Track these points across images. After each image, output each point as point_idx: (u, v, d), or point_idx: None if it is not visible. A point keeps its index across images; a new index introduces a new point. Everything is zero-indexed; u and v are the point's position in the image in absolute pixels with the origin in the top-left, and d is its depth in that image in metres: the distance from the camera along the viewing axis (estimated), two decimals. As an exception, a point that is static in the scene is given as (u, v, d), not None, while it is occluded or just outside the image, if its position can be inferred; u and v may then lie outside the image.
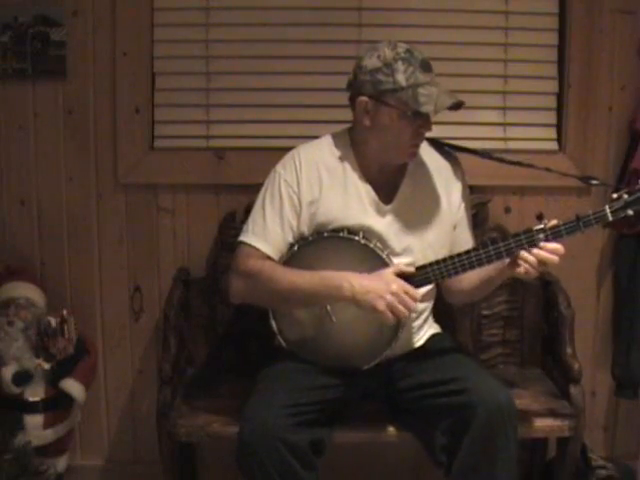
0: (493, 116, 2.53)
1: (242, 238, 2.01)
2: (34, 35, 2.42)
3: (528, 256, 1.83)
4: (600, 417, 2.60)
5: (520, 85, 2.50)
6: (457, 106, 1.92)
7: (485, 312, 2.45)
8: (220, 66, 2.50)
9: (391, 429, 2.05)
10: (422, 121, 1.91)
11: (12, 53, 2.43)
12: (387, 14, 2.47)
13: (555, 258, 1.83)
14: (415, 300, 1.87)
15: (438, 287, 2.15)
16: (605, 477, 2.37)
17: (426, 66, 1.91)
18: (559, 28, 2.49)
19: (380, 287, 1.85)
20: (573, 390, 2.14)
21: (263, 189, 2.03)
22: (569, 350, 2.21)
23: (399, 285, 1.85)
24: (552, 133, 2.53)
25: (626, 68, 2.46)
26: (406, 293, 1.85)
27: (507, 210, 2.51)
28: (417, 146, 1.97)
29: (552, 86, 2.52)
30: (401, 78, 1.87)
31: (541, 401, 2.20)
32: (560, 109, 2.52)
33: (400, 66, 1.87)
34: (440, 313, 2.24)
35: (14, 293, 2.36)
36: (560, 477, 2.21)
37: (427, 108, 1.86)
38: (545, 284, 2.42)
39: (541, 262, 1.83)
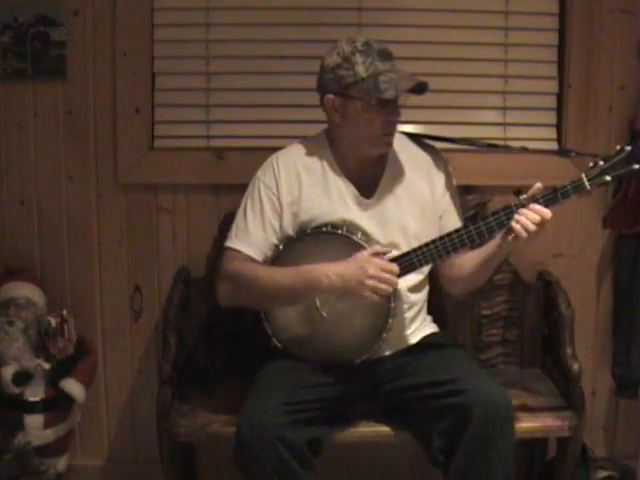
0: (493, 116, 2.53)
1: (226, 243, 2.06)
2: (34, 35, 2.42)
3: (519, 217, 1.83)
4: (600, 417, 2.60)
5: (520, 85, 2.50)
6: (421, 88, 1.94)
7: (485, 312, 2.45)
8: (220, 66, 2.50)
9: (388, 428, 2.05)
10: (390, 109, 1.94)
11: (12, 53, 2.43)
12: (387, 14, 2.47)
13: (546, 212, 1.82)
14: (394, 273, 1.87)
15: (434, 282, 2.14)
16: (605, 477, 2.37)
17: (384, 55, 1.93)
18: (559, 28, 2.49)
19: (357, 273, 1.87)
20: (573, 390, 2.14)
21: (245, 195, 2.08)
22: (569, 350, 2.21)
23: (374, 265, 1.87)
24: (552, 133, 2.53)
25: (626, 68, 2.46)
26: (384, 270, 1.86)
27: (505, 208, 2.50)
28: (391, 135, 1.99)
29: (552, 86, 2.52)
30: (361, 69, 1.90)
31: (541, 401, 2.19)
32: (560, 109, 2.51)
33: (358, 58, 1.91)
34: (440, 313, 2.24)
35: (14, 293, 2.36)
36: (560, 477, 2.21)
37: (389, 94, 1.89)
38: (545, 284, 2.42)
39: (532, 220, 1.82)
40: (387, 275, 1.86)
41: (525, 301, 2.44)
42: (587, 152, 2.23)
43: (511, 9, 2.48)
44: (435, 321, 2.21)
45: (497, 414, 1.81)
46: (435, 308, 2.22)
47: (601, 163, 1.82)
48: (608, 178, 1.82)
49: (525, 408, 2.13)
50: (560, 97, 2.51)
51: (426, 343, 2.10)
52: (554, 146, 2.52)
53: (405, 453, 2.47)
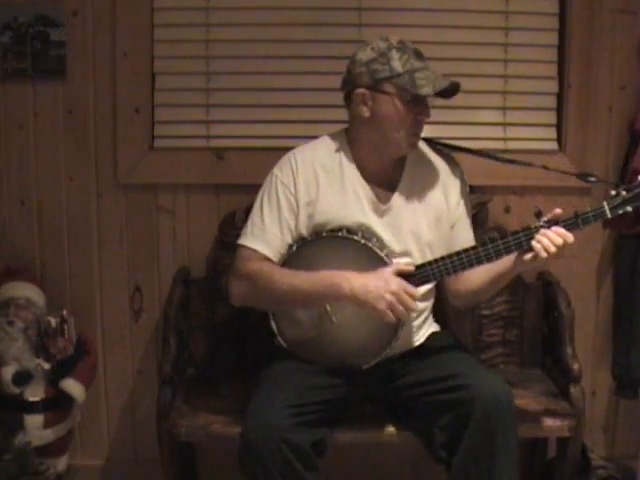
0: (493, 116, 2.53)
1: (241, 241, 2.02)
2: (34, 35, 2.42)
3: (541, 238, 1.81)
4: (600, 417, 2.60)
5: (520, 85, 2.51)
6: (454, 89, 1.94)
7: (485, 312, 2.45)
8: (220, 66, 2.50)
9: (391, 429, 2.05)
10: (421, 107, 1.93)
11: (12, 53, 2.42)
12: (387, 14, 2.47)
13: (569, 236, 1.81)
14: (414, 299, 1.87)
15: (438, 288, 2.15)
16: (605, 477, 2.37)
17: (419, 54, 1.94)
18: (559, 28, 2.49)
19: (380, 286, 1.85)
20: (573, 390, 2.14)
21: (261, 192, 2.04)
22: (569, 350, 2.21)
23: (399, 284, 1.86)
24: (552, 133, 2.54)
25: (626, 68, 2.47)
26: (406, 292, 1.85)
27: (507, 210, 2.51)
28: (417, 135, 1.98)
29: (552, 86, 2.52)
30: (397, 65, 1.90)
31: (541, 401, 2.20)
32: (560, 109, 2.52)
33: (395, 54, 1.90)
34: (440, 314, 2.24)
35: (14, 293, 2.36)
36: (560, 477, 2.21)
37: (426, 90, 1.88)
38: (545, 284, 2.42)
39: (553, 241, 1.80)
40: (407, 298, 1.85)
41: (525, 301, 2.44)
42: (605, 179, 2.24)
43: (511, 9, 2.48)
44: (436, 322, 2.21)
45: (499, 408, 1.81)
46: (436, 309, 2.21)
47: (623, 193, 1.82)
48: (629, 209, 1.82)
49: (525, 408, 2.13)
50: (560, 97, 2.51)
51: (429, 342, 2.10)
52: (554, 146, 2.52)
53: (408, 454, 2.47)
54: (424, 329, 2.12)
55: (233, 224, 2.40)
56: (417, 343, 2.09)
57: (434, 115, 2.44)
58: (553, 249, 1.81)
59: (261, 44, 2.48)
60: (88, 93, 2.47)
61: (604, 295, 2.56)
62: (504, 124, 2.53)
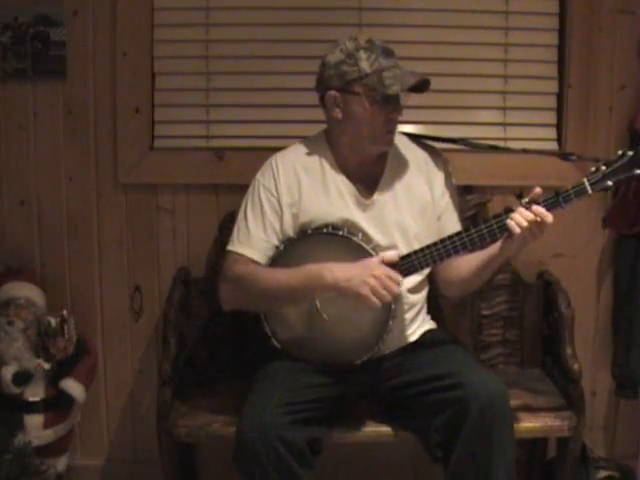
0: (493, 116, 2.53)
1: (228, 247, 2.06)
2: (34, 35, 2.42)
3: (514, 215, 1.82)
4: (600, 417, 2.60)
5: (520, 85, 2.51)
6: (424, 85, 1.94)
7: (485, 312, 2.45)
8: (220, 66, 2.50)
9: (387, 427, 2.05)
10: (392, 105, 1.94)
11: (12, 53, 2.43)
12: (387, 14, 2.47)
13: (547, 215, 1.81)
14: (398, 284, 1.88)
15: (432, 282, 2.15)
16: (605, 477, 2.37)
17: (388, 52, 1.94)
18: (559, 28, 2.49)
19: (361, 272, 1.87)
20: (573, 390, 2.14)
21: (245, 198, 2.07)
22: (569, 350, 2.21)
23: (381, 270, 1.87)
24: (552, 133, 2.54)
25: (626, 68, 2.46)
26: (388, 277, 1.86)
27: (507, 210, 2.50)
28: (392, 132, 1.99)
29: (552, 86, 2.52)
30: (365, 65, 1.91)
31: (541, 401, 2.20)
32: (560, 109, 2.52)
33: (362, 54, 1.91)
34: (439, 313, 2.24)
35: (14, 293, 2.36)
36: (560, 477, 2.21)
37: (394, 89, 1.89)
38: (545, 284, 2.42)
39: (525, 217, 1.81)
40: (390, 282, 1.86)
41: (525, 301, 2.44)
42: (587, 154, 2.24)
43: (511, 9, 2.48)
44: (432, 319, 2.20)
45: (494, 407, 1.81)
46: (433, 308, 2.22)
47: (603, 168, 1.81)
48: (610, 183, 1.81)
49: (525, 408, 2.13)
50: (560, 97, 2.51)
51: (424, 340, 2.11)
52: (554, 146, 2.52)
53: (405, 452, 2.47)
54: (417, 323, 2.12)
55: (233, 224, 2.40)
56: (411, 339, 2.10)
57: (434, 115, 2.46)
58: (525, 224, 1.81)
59: (261, 44, 2.48)
60: (88, 93, 2.47)
61: (604, 295, 2.56)
62: (504, 124, 2.53)
